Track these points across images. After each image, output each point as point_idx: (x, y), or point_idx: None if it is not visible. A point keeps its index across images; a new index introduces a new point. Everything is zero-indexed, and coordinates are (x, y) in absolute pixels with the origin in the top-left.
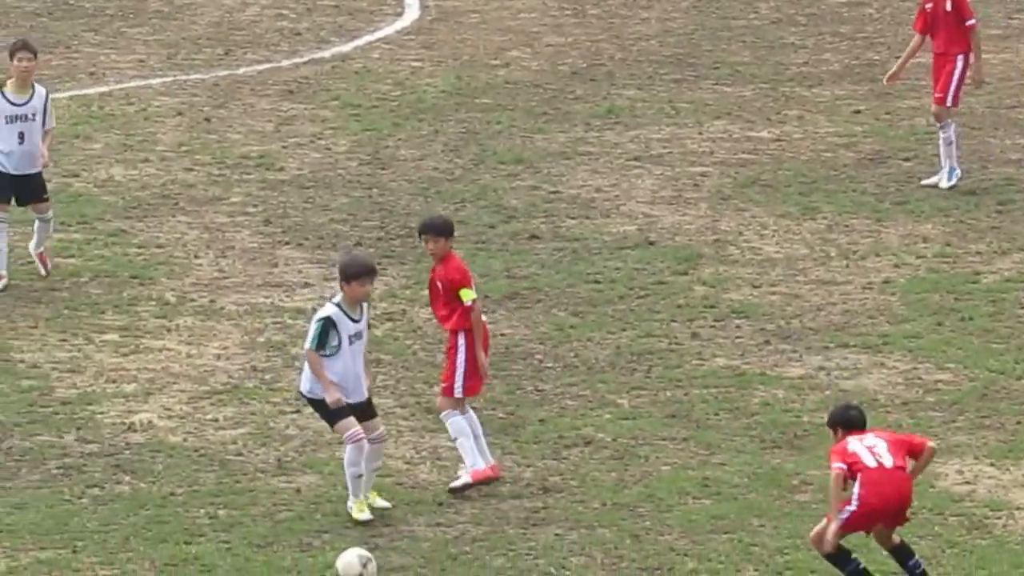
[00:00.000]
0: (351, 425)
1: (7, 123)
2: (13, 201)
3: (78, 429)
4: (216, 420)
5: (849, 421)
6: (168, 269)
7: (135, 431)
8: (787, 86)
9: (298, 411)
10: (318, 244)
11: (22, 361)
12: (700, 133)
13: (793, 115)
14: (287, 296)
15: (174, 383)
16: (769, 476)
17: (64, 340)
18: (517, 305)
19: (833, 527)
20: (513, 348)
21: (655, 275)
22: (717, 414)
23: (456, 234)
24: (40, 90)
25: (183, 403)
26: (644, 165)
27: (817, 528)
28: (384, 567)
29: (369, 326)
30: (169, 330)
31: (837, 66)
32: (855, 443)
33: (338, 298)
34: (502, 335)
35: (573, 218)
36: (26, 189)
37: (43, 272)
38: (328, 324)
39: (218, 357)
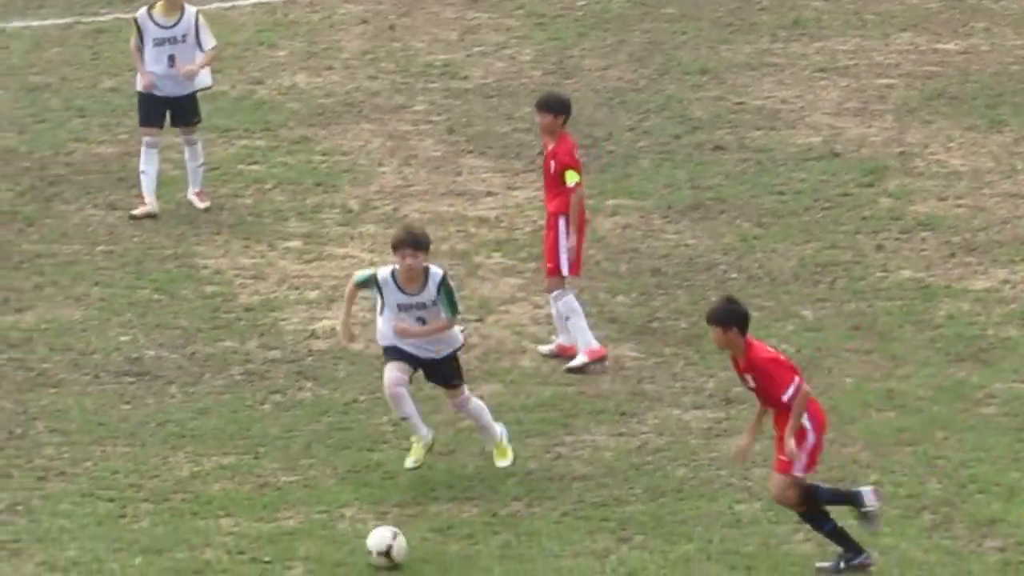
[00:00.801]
0: (387, 370)
1: (155, 46)
2: (167, 123)
3: (261, 336)
4: None
5: (747, 320)
6: (351, 177)
7: (317, 338)
8: None
9: (480, 320)
10: (502, 153)
11: (205, 267)
12: (886, 45)
13: (980, 27)
14: (470, 205)
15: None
16: (953, 389)
17: (247, 247)
18: (701, 216)
19: (800, 469)
20: (697, 259)
21: (840, 187)
22: (901, 326)
23: (641, 144)
24: (190, 10)
25: (365, 310)
26: (830, 76)
27: (777, 481)
28: (566, 476)
29: (455, 310)
30: (352, 238)
31: None
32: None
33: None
34: (686, 246)
35: (758, 129)
36: (177, 111)
37: (201, 207)
38: (372, 278)
39: None
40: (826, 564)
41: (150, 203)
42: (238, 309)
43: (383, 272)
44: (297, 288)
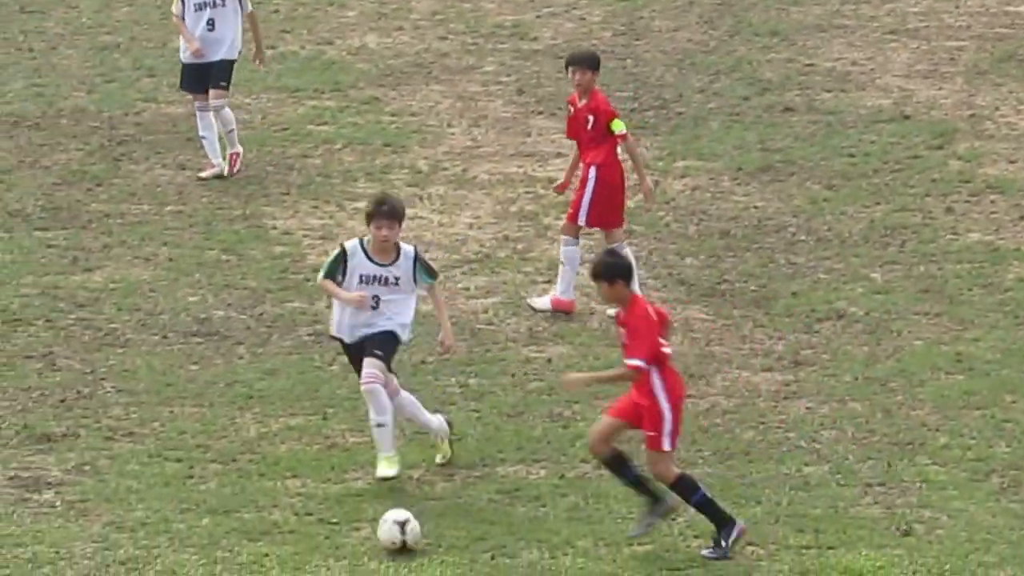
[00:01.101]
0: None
1: (196, 11)
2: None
3: (329, 297)
4: (467, 289)
5: (631, 273)
6: (421, 138)
7: None
8: None
9: (549, 281)
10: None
11: (274, 228)
12: (957, 7)
13: None
14: (539, 166)
15: (425, 251)
16: (1023, 352)
17: (316, 207)
18: (771, 178)
19: (667, 445)
20: (766, 221)
21: (910, 149)
22: (971, 289)
23: (710, 106)
24: None
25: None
26: (900, 38)
27: (649, 459)
28: (634, 438)
29: (419, 280)
30: (421, 199)
31: None
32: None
33: (369, 236)
34: (755, 208)
35: (828, 91)
36: (208, 73)
37: (225, 172)
38: (339, 255)
39: (470, 226)
40: (709, 551)
41: (217, 164)
42: (306, 270)
43: (351, 242)
44: None
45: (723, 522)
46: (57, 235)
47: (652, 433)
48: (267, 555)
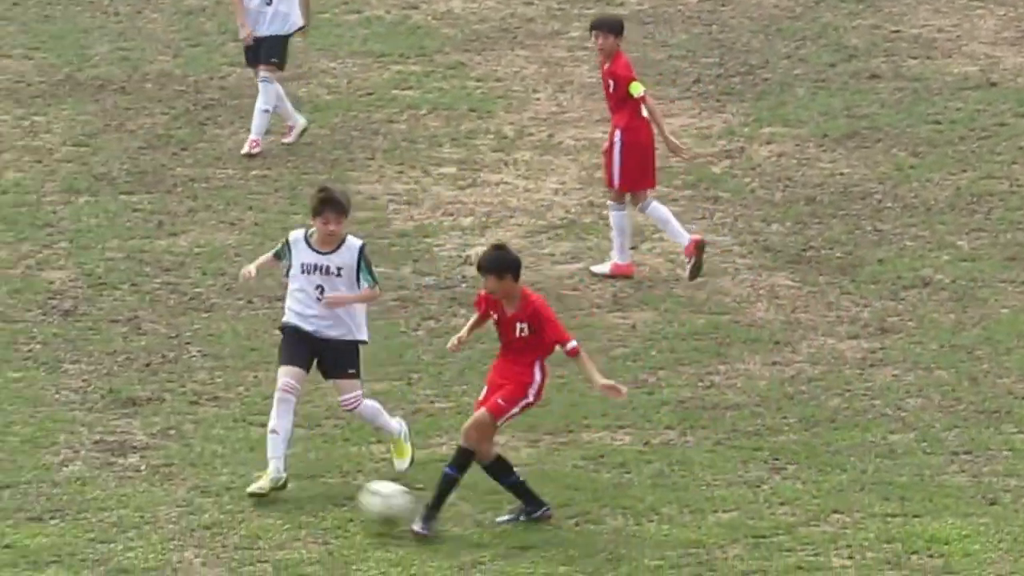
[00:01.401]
0: (281, 375)
1: None
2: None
3: (415, 261)
4: (552, 255)
5: (519, 267)
6: (506, 103)
7: (471, 264)
8: None
9: (634, 247)
10: (656, 80)
11: (359, 193)
12: None
13: None
14: None
15: (511, 217)
16: None
17: (401, 172)
18: (856, 144)
19: (504, 419)
20: (852, 188)
21: (996, 116)
22: None
23: (796, 72)
24: None
25: (520, 237)
26: (987, 5)
27: (481, 419)
28: (720, 405)
29: (361, 279)
30: (507, 164)
31: None
32: None
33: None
34: (840, 174)
35: (914, 58)
36: (266, 48)
37: (244, 150)
38: (283, 245)
39: (555, 192)
40: (505, 517)
41: (295, 122)
42: (392, 235)
43: (295, 233)
44: (451, 214)
45: (533, 502)
46: (142, 199)
47: (501, 402)
48: (351, 520)
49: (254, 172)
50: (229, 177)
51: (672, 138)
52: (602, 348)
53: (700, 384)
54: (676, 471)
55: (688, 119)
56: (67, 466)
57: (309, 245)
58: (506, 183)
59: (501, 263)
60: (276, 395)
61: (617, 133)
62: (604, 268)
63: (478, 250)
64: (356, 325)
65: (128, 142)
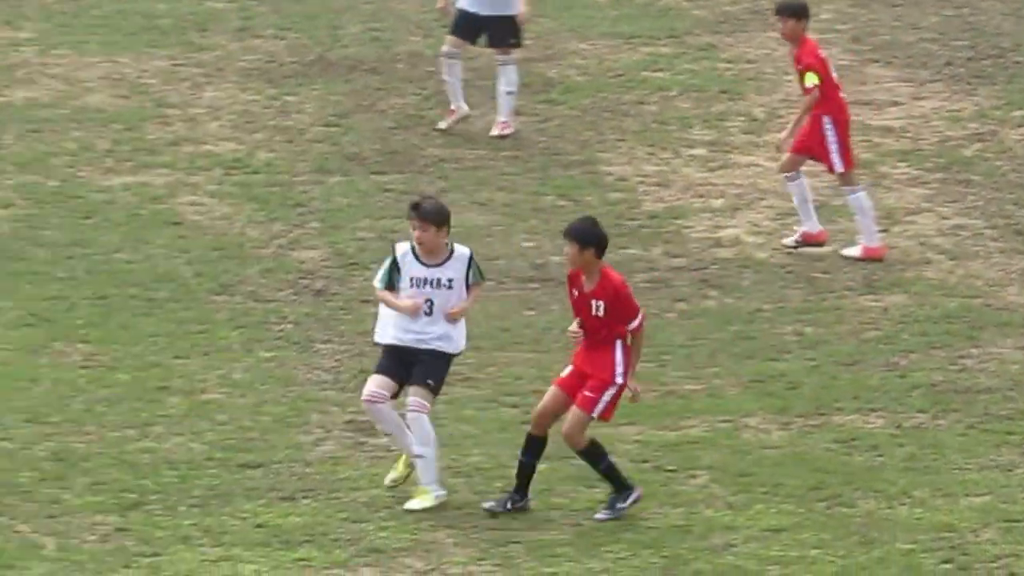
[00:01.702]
0: (370, 383)
1: None
2: (482, 42)
3: (665, 243)
4: None
5: (605, 244)
6: (757, 85)
7: (722, 246)
8: None
9: (885, 230)
10: (907, 63)
11: (609, 174)
12: None
13: None
14: (875, 114)
15: (762, 199)
16: None
17: (652, 154)
18: None
19: (598, 412)
20: None
21: None
22: None
23: None
24: None
25: (770, 219)
26: None
27: (576, 418)
28: (972, 388)
29: (470, 285)
30: (757, 146)
31: None
32: None
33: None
34: None
35: None
36: (494, 32)
37: (494, 132)
38: (392, 264)
39: (805, 174)
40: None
41: (457, 108)
42: (642, 216)
43: (402, 247)
44: (701, 196)
45: (622, 487)
46: (393, 179)
47: (589, 394)
48: (602, 502)
49: (504, 153)
50: (480, 158)
51: (789, 140)
52: (853, 331)
53: (952, 367)
54: (928, 454)
55: (939, 102)
56: (319, 446)
57: (417, 258)
58: (757, 166)
59: (584, 234)
60: (364, 407)
61: (824, 120)
62: (855, 251)
63: (729, 232)
64: (459, 335)
65: (379, 122)
